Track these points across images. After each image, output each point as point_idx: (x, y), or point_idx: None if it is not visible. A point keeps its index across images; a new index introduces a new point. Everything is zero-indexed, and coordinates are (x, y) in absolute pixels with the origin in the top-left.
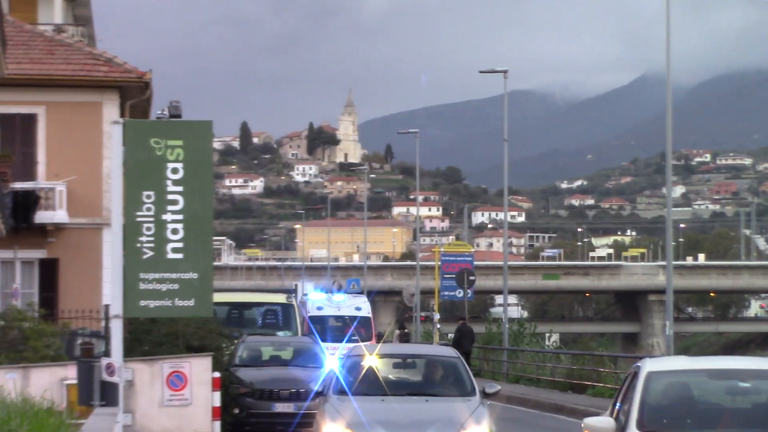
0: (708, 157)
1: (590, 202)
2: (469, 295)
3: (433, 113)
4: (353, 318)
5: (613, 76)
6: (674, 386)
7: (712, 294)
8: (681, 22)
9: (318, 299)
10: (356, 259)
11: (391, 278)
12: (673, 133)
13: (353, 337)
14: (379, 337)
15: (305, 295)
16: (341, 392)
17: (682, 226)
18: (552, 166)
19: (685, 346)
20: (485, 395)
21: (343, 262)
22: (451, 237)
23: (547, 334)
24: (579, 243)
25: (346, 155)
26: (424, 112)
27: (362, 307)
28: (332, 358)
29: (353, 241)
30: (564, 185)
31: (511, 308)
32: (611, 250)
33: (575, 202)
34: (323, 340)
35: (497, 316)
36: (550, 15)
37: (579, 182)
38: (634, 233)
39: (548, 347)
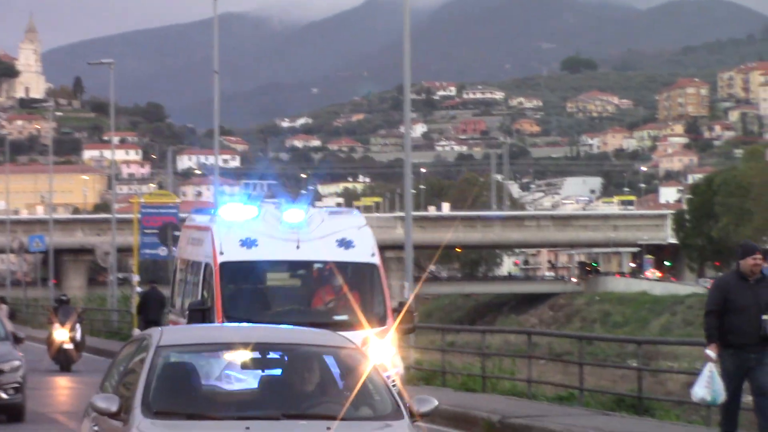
0: (453, 91)
1: (316, 143)
2: (173, 253)
3: (130, 40)
4: (335, 268)
5: None
6: None
7: (458, 249)
8: None
9: (244, 221)
10: (41, 212)
11: (82, 234)
12: (412, 62)
13: (337, 316)
14: (403, 313)
15: (199, 211)
16: (159, 413)
17: (423, 170)
18: (271, 101)
19: (427, 310)
20: (415, 416)
21: (25, 215)
22: (152, 185)
23: None
24: (304, 191)
25: (27, 89)
26: (120, 39)
27: (354, 239)
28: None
29: (37, 190)
30: (285, 124)
31: None
32: (341, 199)
33: (298, 143)
34: (254, 320)
35: None
36: None
37: (303, 120)
38: (367, 179)
39: None
